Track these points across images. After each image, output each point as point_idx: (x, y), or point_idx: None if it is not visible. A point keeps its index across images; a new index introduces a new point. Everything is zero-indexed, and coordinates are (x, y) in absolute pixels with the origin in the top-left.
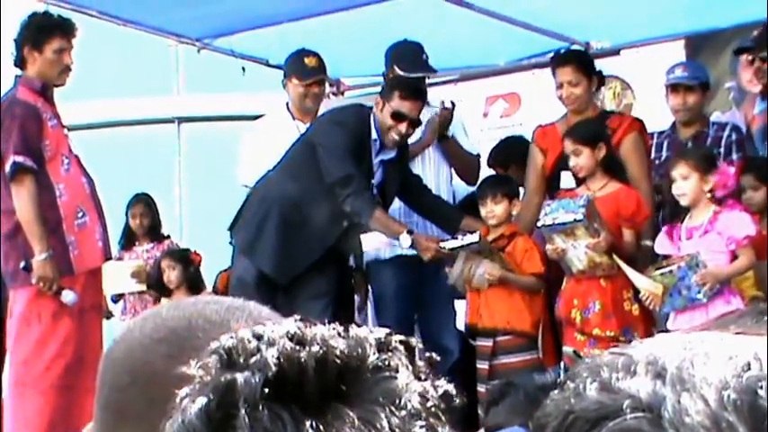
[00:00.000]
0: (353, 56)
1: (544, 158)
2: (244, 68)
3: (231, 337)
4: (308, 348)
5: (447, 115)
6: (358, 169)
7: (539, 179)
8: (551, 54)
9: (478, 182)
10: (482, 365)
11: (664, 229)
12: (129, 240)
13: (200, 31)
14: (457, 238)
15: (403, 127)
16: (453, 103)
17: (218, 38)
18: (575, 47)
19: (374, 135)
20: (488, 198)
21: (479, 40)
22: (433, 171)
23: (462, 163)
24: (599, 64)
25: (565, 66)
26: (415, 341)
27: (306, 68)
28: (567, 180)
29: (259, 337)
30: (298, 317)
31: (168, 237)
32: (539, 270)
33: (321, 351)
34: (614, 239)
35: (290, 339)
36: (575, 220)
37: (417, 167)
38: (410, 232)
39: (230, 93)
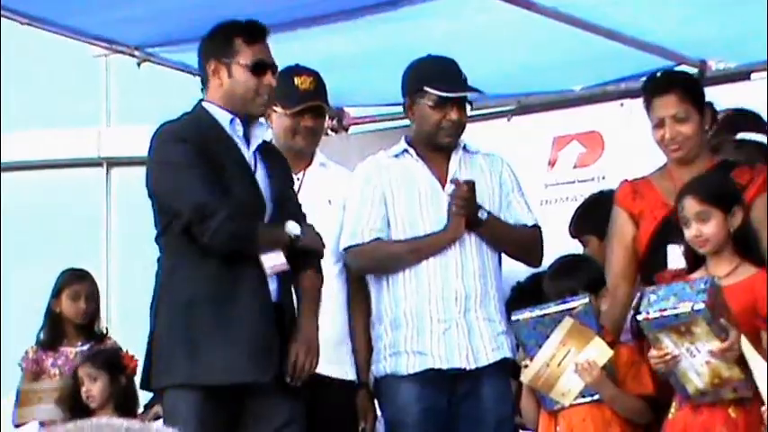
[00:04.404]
0: (362, 79)
1: (636, 229)
2: (203, 90)
3: None
4: None
5: (465, 196)
6: (212, 188)
7: (628, 259)
8: (644, 78)
9: (541, 260)
10: None
11: None
12: (54, 336)
13: (141, 36)
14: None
15: (270, 78)
16: (472, 182)
17: (167, 46)
18: (682, 67)
19: (225, 126)
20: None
21: (544, 54)
22: (475, 261)
23: (514, 245)
24: (720, 92)
25: (666, 94)
26: None
27: (296, 91)
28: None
29: None
30: None
31: (107, 335)
32: (648, 391)
33: None
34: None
35: None
36: (692, 310)
37: (454, 261)
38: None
39: None
